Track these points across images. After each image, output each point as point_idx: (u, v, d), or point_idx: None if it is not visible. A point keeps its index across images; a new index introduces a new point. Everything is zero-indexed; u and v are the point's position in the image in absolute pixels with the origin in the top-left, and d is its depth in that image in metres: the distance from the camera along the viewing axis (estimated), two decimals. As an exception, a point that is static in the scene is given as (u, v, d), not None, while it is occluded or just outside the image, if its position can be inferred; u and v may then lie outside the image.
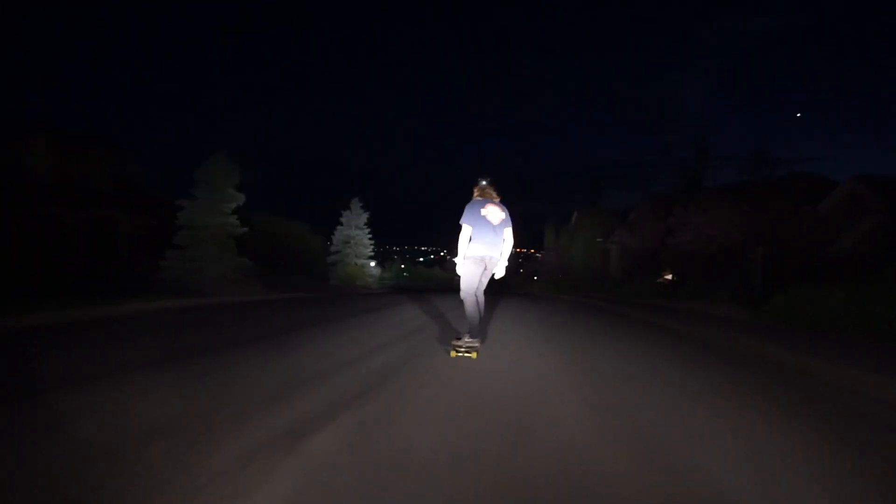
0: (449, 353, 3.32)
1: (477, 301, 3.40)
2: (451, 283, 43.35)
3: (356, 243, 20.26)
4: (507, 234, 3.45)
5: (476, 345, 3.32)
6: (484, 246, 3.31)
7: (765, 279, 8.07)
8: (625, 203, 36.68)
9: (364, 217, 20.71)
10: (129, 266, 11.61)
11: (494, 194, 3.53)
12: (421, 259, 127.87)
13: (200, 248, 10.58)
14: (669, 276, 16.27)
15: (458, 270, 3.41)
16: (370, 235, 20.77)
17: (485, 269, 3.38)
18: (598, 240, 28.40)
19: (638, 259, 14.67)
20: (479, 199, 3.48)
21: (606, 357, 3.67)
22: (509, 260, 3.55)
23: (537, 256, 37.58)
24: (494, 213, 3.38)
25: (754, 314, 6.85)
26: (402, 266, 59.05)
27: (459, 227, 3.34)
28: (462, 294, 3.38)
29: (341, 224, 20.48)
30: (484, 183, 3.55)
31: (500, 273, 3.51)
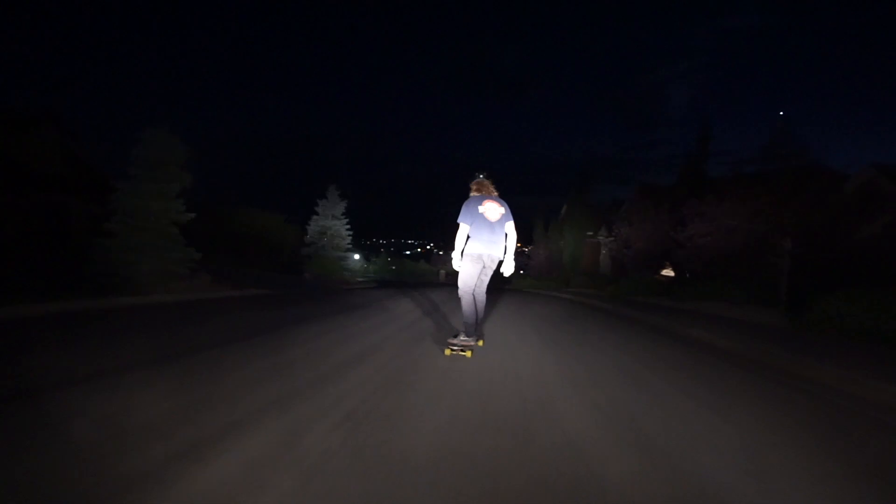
0: (444, 352, 3.26)
1: (475, 300, 3.33)
2: (437, 276, 42.29)
3: (333, 234, 18.61)
4: (509, 229, 3.34)
5: (471, 343, 3.28)
6: (482, 244, 3.22)
7: (793, 276, 6.98)
8: (611, 197, 35.67)
9: (342, 206, 19.06)
10: (81, 257, 9.92)
11: (492, 189, 3.44)
12: (408, 252, 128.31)
13: (137, 237, 8.98)
14: (669, 272, 15.29)
15: (456, 267, 3.34)
16: (348, 226, 19.13)
17: (483, 267, 3.29)
18: (588, 233, 27.60)
19: (638, 254, 13.57)
20: (476, 195, 3.41)
21: (640, 393, 2.37)
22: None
23: (525, 251, 36.60)
24: (492, 209, 3.29)
25: (794, 321, 5.70)
26: (389, 259, 58.01)
27: (457, 226, 3.26)
28: (459, 292, 3.32)
29: (317, 214, 18.80)
30: (481, 177, 3.47)
31: (508, 270, 3.33)
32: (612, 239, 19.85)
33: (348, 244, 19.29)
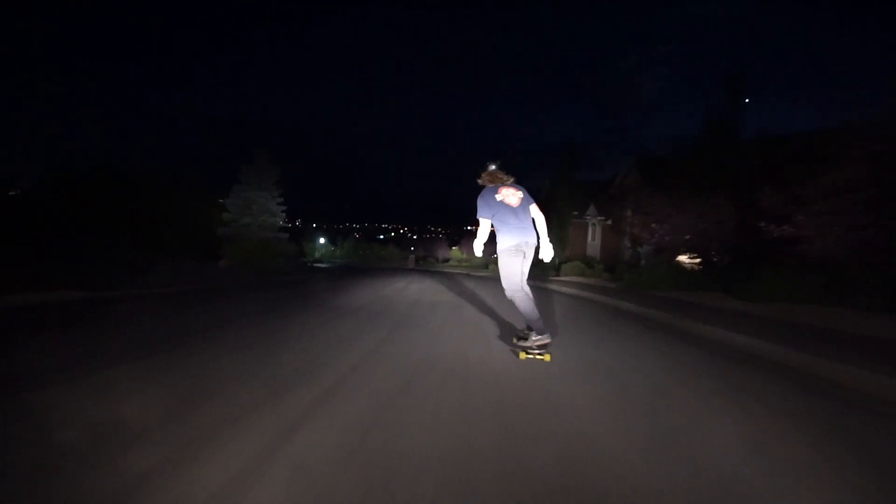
0: (518, 356, 2.93)
1: (527, 295, 2.93)
2: (405, 262, 38.81)
3: (260, 209, 14.32)
4: (535, 212, 3.08)
5: (547, 341, 2.87)
6: (514, 234, 2.92)
7: None
8: (585, 180, 32.47)
9: (273, 174, 14.75)
10: None
11: (505, 178, 3.14)
12: (381, 237, 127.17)
13: None
14: (685, 259, 12.21)
15: (478, 253, 3.17)
16: (281, 199, 14.82)
17: (524, 257, 2.96)
18: (574, 213, 24.69)
19: (674, 237, 10.26)
20: (489, 186, 3.12)
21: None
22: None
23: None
24: (510, 194, 3.03)
25: None
26: (364, 243, 54.71)
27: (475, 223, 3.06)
28: (508, 293, 2.97)
29: (239, 182, 14.40)
30: (493, 167, 3.19)
31: (547, 256, 3.03)
32: (610, 221, 16.62)
33: (280, 222, 15.03)
